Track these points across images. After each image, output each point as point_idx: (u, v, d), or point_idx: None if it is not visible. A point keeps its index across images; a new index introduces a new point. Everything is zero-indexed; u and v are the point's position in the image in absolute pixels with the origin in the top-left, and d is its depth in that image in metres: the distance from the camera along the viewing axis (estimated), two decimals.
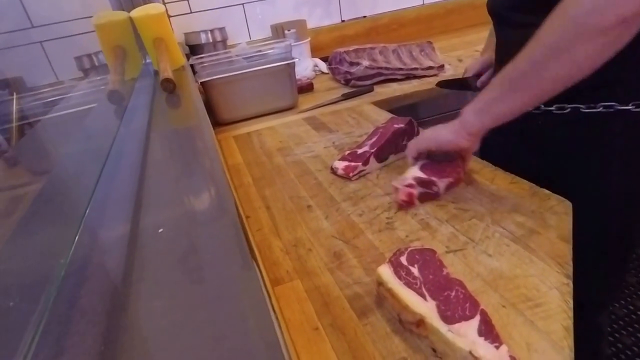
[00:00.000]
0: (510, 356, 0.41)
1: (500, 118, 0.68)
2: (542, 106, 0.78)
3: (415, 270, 0.52)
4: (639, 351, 1.44)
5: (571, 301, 0.50)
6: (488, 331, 0.43)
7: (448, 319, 0.45)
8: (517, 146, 0.87)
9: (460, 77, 1.13)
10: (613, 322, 1.55)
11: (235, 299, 0.32)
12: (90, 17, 1.12)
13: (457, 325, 0.44)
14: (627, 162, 0.77)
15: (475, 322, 0.44)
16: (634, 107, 0.72)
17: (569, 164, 0.82)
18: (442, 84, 1.18)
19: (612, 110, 0.73)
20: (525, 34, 0.65)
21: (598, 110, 0.74)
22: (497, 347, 0.41)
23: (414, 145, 0.80)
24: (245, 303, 0.32)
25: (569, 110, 0.75)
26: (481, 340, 0.42)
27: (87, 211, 0.48)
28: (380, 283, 0.52)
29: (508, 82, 0.65)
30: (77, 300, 0.35)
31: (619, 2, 0.51)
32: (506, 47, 0.85)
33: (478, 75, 1.08)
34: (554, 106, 0.77)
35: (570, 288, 0.52)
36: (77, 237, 0.43)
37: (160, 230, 0.43)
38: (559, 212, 0.66)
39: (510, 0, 0.79)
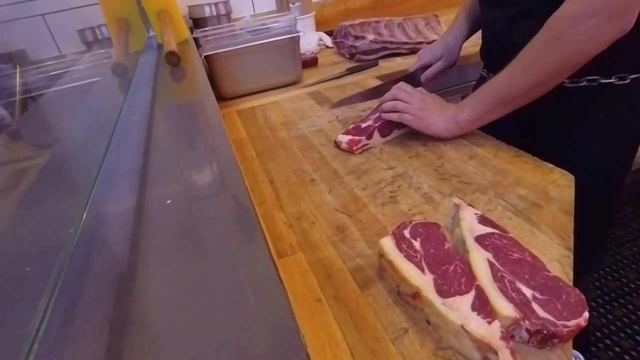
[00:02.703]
0: (502, 332, 0.41)
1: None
2: None
3: (417, 244, 0.53)
4: (629, 322, 1.50)
5: (571, 273, 0.51)
6: (482, 307, 0.43)
7: (443, 293, 0.46)
8: (506, 124, 0.81)
9: (404, 72, 1.13)
10: (605, 294, 1.61)
11: (244, 269, 0.33)
12: None
13: (451, 299, 0.45)
14: (610, 134, 0.82)
15: (469, 297, 0.44)
16: (616, 80, 0.76)
17: (556, 139, 0.86)
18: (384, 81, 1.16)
19: (595, 84, 0.77)
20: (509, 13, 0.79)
21: (582, 84, 0.78)
22: (489, 323, 0.42)
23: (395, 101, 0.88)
24: (254, 273, 0.32)
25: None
26: (474, 315, 0.42)
27: (96, 183, 0.49)
28: (381, 254, 0.53)
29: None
30: (88, 268, 0.36)
31: None
32: (489, 25, 0.93)
33: (425, 67, 1.07)
34: None
35: (570, 260, 0.52)
36: (87, 208, 0.44)
37: (169, 201, 0.44)
38: (561, 185, 0.66)
39: None
